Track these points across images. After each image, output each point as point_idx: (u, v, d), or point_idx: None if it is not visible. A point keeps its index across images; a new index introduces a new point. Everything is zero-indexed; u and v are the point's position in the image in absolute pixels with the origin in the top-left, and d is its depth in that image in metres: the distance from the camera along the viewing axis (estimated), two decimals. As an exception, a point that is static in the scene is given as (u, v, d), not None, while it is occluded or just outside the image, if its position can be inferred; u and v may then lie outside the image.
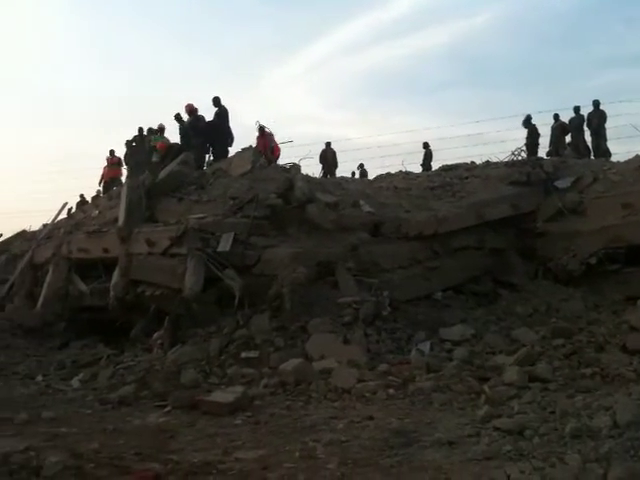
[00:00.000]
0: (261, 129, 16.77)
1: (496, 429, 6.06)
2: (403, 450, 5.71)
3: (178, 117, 17.71)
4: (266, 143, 16.60)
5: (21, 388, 10.16)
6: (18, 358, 12.30)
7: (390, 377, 8.54)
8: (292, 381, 8.52)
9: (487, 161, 17.64)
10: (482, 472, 5.02)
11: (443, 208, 13.98)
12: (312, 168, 19.68)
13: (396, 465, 5.32)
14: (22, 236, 20.17)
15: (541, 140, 19.28)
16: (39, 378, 10.81)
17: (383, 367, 8.91)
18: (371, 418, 6.93)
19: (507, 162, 16.75)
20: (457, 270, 13.11)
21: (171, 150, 16.98)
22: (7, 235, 20.86)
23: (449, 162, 18.95)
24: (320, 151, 20.71)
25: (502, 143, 27.89)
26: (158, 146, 17.85)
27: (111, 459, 5.77)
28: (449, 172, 17.25)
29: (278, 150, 17.18)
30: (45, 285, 14.62)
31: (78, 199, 22.55)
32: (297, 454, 5.66)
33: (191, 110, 17.22)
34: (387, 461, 5.43)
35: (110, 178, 20.61)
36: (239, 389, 8.10)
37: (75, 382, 10.15)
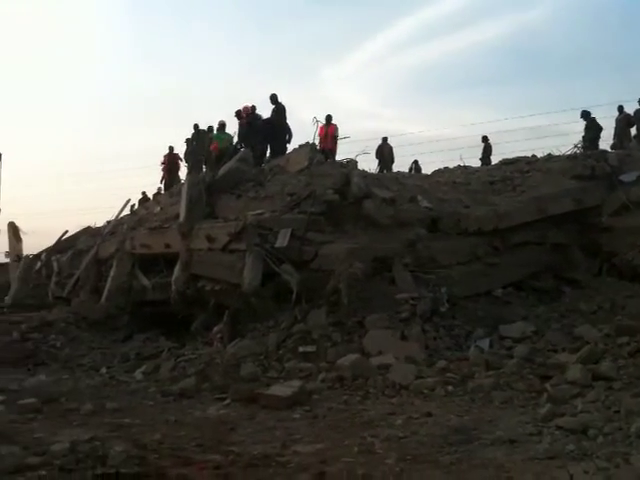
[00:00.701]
0: (328, 117, 16.68)
1: (559, 428, 5.95)
2: (463, 447, 5.66)
3: (238, 114, 17.92)
4: (330, 130, 16.49)
5: (86, 379, 10.53)
6: (83, 350, 12.74)
7: (449, 374, 8.48)
8: (349, 376, 8.55)
9: (549, 154, 17.17)
10: (544, 471, 4.93)
11: (503, 203, 13.72)
12: (369, 164, 19.60)
13: (456, 462, 5.27)
14: (87, 232, 20.83)
15: (604, 133, 18.60)
16: (103, 370, 11.18)
17: (441, 364, 8.85)
18: (429, 415, 6.90)
19: (570, 155, 16.29)
20: (518, 266, 12.85)
21: (224, 154, 17.15)
22: (73, 231, 21.60)
23: (509, 156, 18.51)
24: (376, 146, 20.61)
25: (564, 136, 27.04)
26: (212, 147, 18.10)
27: (173, 450, 5.92)
28: (509, 166, 16.88)
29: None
30: (109, 279, 15.04)
31: (140, 196, 23.11)
32: (355, 449, 5.68)
33: (247, 112, 17.39)
34: (446, 458, 5.39)
35: (170, 175, 21.00)
36: (297, 383, 8.18)
37: (138, 374, 10.45)
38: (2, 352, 12.56)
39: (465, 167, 18.45)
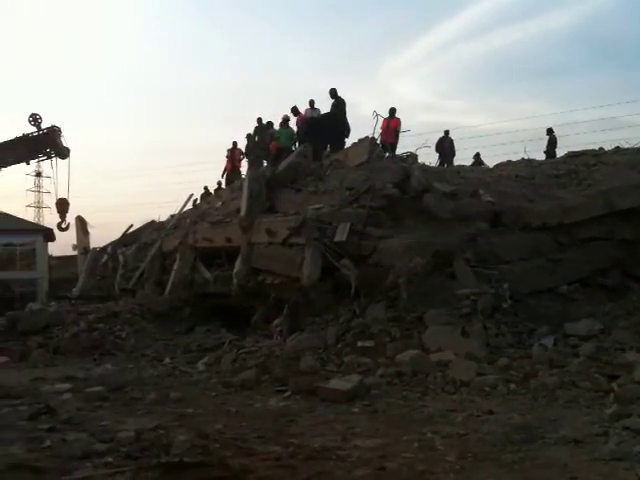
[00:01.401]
0: (392, 111, 16.53)
1: (625, 428, 5.75)
2: (526, 446, 5.54)
3: (295, 110, 18.01)
4: (392, 123, 16.34)
5: (150, 369, 10.84)
6: (147, 341, 13.12)
7: (511, 371, 8.34)
8: (409, 372, 8.50)
9: (617, 147, 16.60)
10: (610, 473, 4.78)
11: (569, 197, 13.34)
12: (429, 157, 19.39)
13: (518, 461, 5.17)
14: (151, 226, 21.37)
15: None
16: (167, 360, 11.47)
17: (503, 361, 8.70)
18: (491, 412, 6.79)
19: (639, 148, 15.69)
20: (583, 262, 12.46)
21: (282, 152, 17.24)
22: (138, 225, 22.19)
23: (575, 148, 17.99)
24: (437, 140, 20.35)
25: (633, 128, 26.09)
26: (271, 146, 18.23)
27: (235, 440, 6.02)
28: (575, 159, 16.40)
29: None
30: (173, 272, 15.39)
31: (202, 191, 23.49)
32: (415, 445, 5.64)
33: (301, 118, 17.44)
34: (509, 457, 5.29)
35: (231, 170, 21.25)
36: (356, 378, 8.18)
37: (200, 365, 10.67)
38: (70, 342, 13.06)
39: (529, 160, 18.01)
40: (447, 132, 20.74)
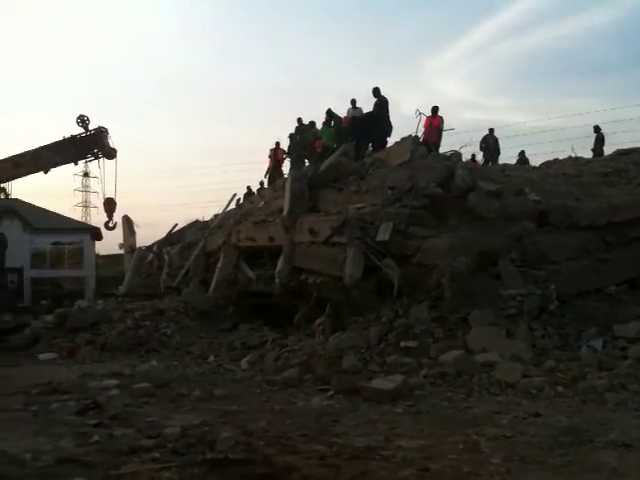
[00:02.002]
0: (435, 109, 16.42)
1: (676, 432, 5.59)
2: (574, 449, 5.43)
3: (329, 112, 18.05)
4: (435, 122, 16.23)
5: (195, 367, 10.99)
6: (192, 339, 13.30)
7: (558, 374, 8.19)
8: (453, 372, 8.42)
9: (668, 145, 16.12)
10: (663, 478, 4.65)
11: (617, 196, 13.04)
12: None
13: (566, 465, 5.06)
14: (195, 225, 21.69)
15: None
16: (211, 358, 11.62)
17: (550, 363, 8.54)
18: (537, 415, 6.67)
19: (691, 145, 15.22)
20: (632, 262, 12.14)
21: (329, 148, 17.25)
22: (182, 225, 22.55)
23: (623, 146, 17.55)
24: (481, 138, 20.11)
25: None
26: (316, 144, 18.27)
27: (278, 438, 6.04)
28: (624, 157, 16.03)
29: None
30: (216, 271, 15.58)
31: (245, 190, 23.71)
32: (460, 446, 5.58)
33: (346, 121, 17.48)
34: (556, 460, 5.18)
35: (274, 170, 21.38)
36: (399, 378, 8.13)
37: (244, 363, 10.78)
38: (117, 339, 13.34)
39: (576, 158, 17.66)
40: (492, 130, 20.50)
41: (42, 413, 7.36)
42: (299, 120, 19.69)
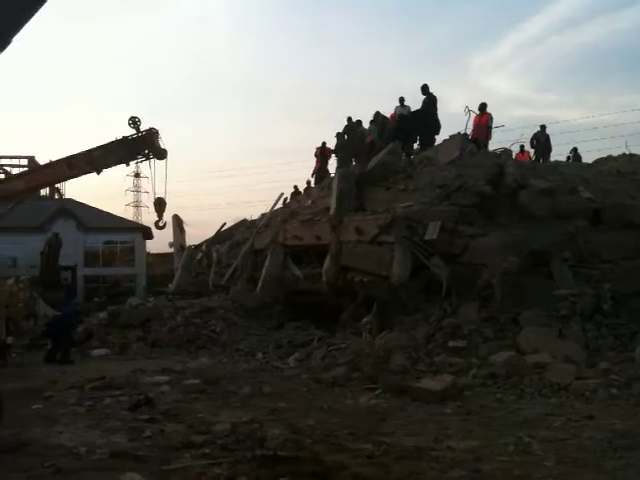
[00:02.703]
0: (482, 106, 16.16)
1: None
2: (629, 453, 5.28)
3: (377, 114, 17.96)
4: (483, 119, 15.95)
5: (244, 364, 11.10)
6: (240, 336, 13.43)
7: (612, 376, 7.97)
8: (503, 373, 8.29)
9: None
10: None
11: (675, 193, 12.59)
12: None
13: (621, 468, 4.93)
14: (243, 224, 21.89)
15: None
16: (259, 355, 11.72)
17: (604, 365, 8.33)
18: (591, 417, 6.52)
19: None
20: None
21: (374, 148, 17.16)
22: (231, 224, 22.79)
23: (682, 142, 16.95)
24: (532, 135, 19.71)
25: None
26: (369, 137, 18.19)
27: (326, 436, 6.06)
28: (681, 153, 15.47)
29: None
30: (264, 269, 15.65)
31: (292, 190, 23.79)
32: (511, 448, 5.49)
33: (393, 118, 17.43)
34: (610, 463, 5.05)
35: (320, 169, 21.38)
36: (448, 378, 8.06)
37: (291, 361, 10.83)
38: (167, 336, 13.57)
39: (630, 155, 17.15)
40: (543, 127, 20.02)
41: (96, 408, 7.56)
42: (349, 119, 19.61)
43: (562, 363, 8.46)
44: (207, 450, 5.49)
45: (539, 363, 8.47)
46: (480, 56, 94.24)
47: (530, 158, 17.38)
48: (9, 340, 11.17)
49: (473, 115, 15.47)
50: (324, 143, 20.90)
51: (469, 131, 15.45)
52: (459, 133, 15.28)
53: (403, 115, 16.83)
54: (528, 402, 7.41)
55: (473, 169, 13.15)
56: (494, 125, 15.99)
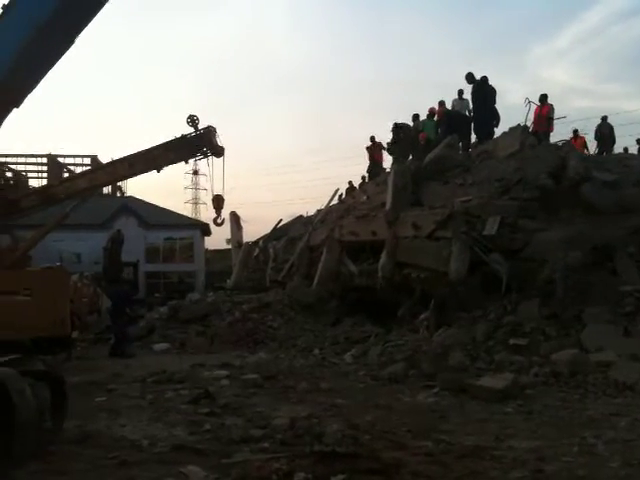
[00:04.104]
0: (543, 97, 15.73)
1: None
2: (701, 456, 5.07)
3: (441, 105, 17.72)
4: (544, 110, 15.54)
5: (301, 359, 11.17)
6: (297, 331, 13.52)
7: (683, 375, 7.65)
8: (566, 372, 8.08)
9: None
10: None
11: None
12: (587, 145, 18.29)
13: (694, 472, 4.73)
14: (299, 220, 22.01)
15: None
16: (316, 351, 11.77)
17: (673, 363, 8.01)
18: (660, 418, 6.28)
19: None
20: None
21: (432, 141, 16.96)
22: (287, 220, 22.96)
23: None
24: (595, 126, 19.12)
25: None
26: (421, 136, 18.01)
27: (385, 433, 6.02)
28: None
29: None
30: (320, 265, 15.70)
31: (347, 185, 23.76)
32: (575, 449, 5.33)
33: (440, 114, 17.23)
34: (682, 467, 4.85)
35: (373, 164, 21.25)
36: (509, 376, 7.90)
37: (348, 357, 10.83)
38: (226, 330, 13.77)
39: (702, 146, 16.40)
40: (605, 118, 19.41)
41: (157, 401, 7.75)
42: (414, 117, 19.30)
43: (628, 361, 8.19)
44: (266, 444, 5.54)
45: (603, 362, 8.21)
46: (540, 46, 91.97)
47: (585, 143, 16.71)
48: (74, 334, 11.52)
49: (533, 106, 15.10)
50: (372, 138, 20.75)
51: (529, 123, 15.10)
52: (519, 125, 14.94)
53: (449, 113, 16.61)
54: (592, 402, 7.19)
55: (534, 162, 12.84)
56: (555, 116, 15.59)
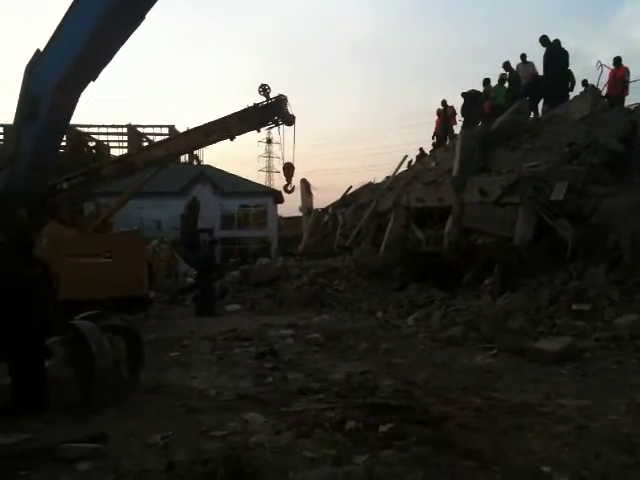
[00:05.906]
0: (617, 60, 15.02)
1: None
2: None
3: (507, 65, 17.28)
4: (619, 73, 14.89)
5: (364, 321, 11.47)
6: (362, 296, 13.82)
7: None
8: (627, 336, 8.03)
9: None
10: None
11: None
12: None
13: None
14: (368, 187, 22.16)
15: None
16: (379, 314, 12.04)
17: None
18: None
19: None
20: None
21: (498, 111, 16.64)
22: (356, 187, 23.15)
23: None
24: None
25: None
26: (485, 105, 17.68)
27: (437, 389, 6.27)
28: None
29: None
30: (387, 232, 15.86)
31: (418, 152, 23.64)
32: (623, 408, 5.42)
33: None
34: None
35: (443, 130, 21.00)
36: (567, 339, 7.94)
37: (410, 320, 11.05)
38: (294, 294, 14.25)
39: None
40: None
41: (226, 356, 8.26)
42: (485, 82, 18.92)
43: (693, 328, 8.04)
44: (322, 396, 5.91)
45: (666, 327, 8.11)
46: (625, 8, 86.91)
47: (628, 72, 15.24)
48: (151, 294, 12.24)
49: (606, 70, 14.57)
50: (444, 102, 20.47)
51: (601, 87, 14.60)
52: (591, 87, 14.48)
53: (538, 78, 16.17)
54: (650, 366, 7.16)
55: (605, 126, 12.52)
56: (632, 79, 14.99)
